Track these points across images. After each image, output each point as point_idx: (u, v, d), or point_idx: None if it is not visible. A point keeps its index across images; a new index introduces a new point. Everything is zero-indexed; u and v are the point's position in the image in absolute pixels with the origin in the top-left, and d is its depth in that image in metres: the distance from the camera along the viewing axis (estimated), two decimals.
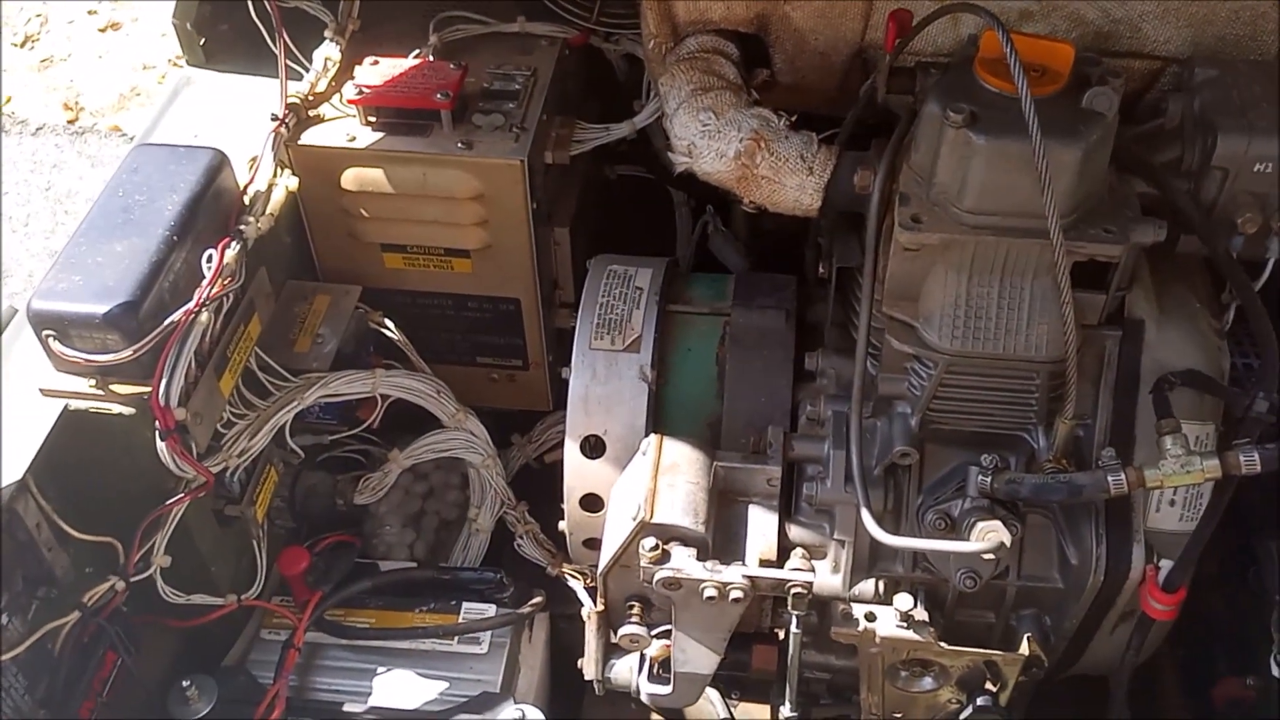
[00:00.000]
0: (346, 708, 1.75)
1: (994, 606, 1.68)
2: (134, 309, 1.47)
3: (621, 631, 1.61)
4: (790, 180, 1.64)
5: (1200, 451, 1.42)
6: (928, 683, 1.64)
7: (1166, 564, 1.55)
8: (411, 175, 1.85)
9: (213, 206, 1.63)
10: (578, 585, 1.93)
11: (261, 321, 1.75)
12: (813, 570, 1.56)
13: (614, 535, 1.57)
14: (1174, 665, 1.93)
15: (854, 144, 1.66)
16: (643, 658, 1.69)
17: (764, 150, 1.63)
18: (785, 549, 1.59)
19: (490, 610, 1.87)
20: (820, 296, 1.84)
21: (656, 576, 1.50)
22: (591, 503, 1.79)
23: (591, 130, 1.96)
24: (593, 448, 1.77)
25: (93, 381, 1.51)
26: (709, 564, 1.51)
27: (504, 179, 1.83)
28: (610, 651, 1.70)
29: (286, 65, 1.82)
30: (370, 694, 1.77)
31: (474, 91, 1.90)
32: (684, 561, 1.51)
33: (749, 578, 1.51)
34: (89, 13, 4.49)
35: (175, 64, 4.08)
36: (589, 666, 1.71)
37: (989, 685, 1.61)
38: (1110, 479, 1.42)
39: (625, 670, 1.71)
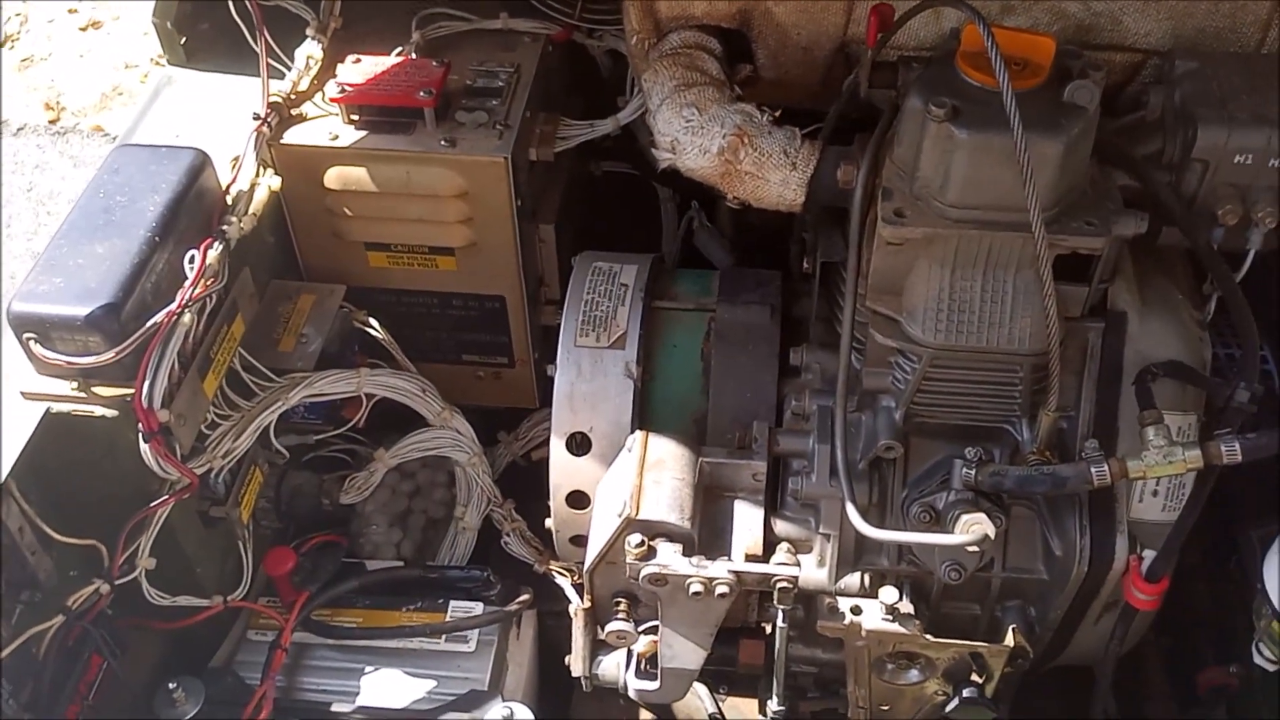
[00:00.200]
0: (334, 708, 1.75)
1: (979, 598, 1.68)
2: (116, 311, 1.46)
3: (609, 628, 1.61)
4: (774, 175, 1.64)
5: (1182, 442, 1.43)
6: (914, 675, 1.64)
7: (1150, 554, 1.56)
8: (395, 173, 1.84)
9: (195, 207, 1.63)
10: (565, 582, 1.93)
11: (245, 322, 1.74)
12: (798, 564, 1.56)
13: (600, 532, 1.57)
14: (1158, 654, 1.95)
15: (837, 139, 1.66)
16: (630, 654, 1.69)
17: (747, 146, 1.63)
18: (771, 544, 1.59)
19: (478, 608, 1.87)
20: (805, 291, 1.84)
21: (643, 573, 1.50)
22: (578, 500, 1.79)
23: (575, 127, 1.96)
24: (578, 445, 1.76)
25: (75, 384, 1.50)
26: (695, 559, 1.51)
27: (488, 176, 1.83)
28: (598, 648, 1.70)
29: (268, 64, 1.81)
30: (358, 694, 1.77)
31: (457, 89, 1.90)
32: (670, 557, 1.51)
33: (735, 573, 1.51)
34: (69, 11, 4.46)
35: (157, 63, 4.06)
36: (576, 663, 1.71)
37: (975, 677, 1.62)
38: (1093, 470, 1.43)
39: (613, 666, 1.72)
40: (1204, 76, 1.58)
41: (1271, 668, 1.58)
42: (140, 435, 1.50)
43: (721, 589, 1.50)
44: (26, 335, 1.47)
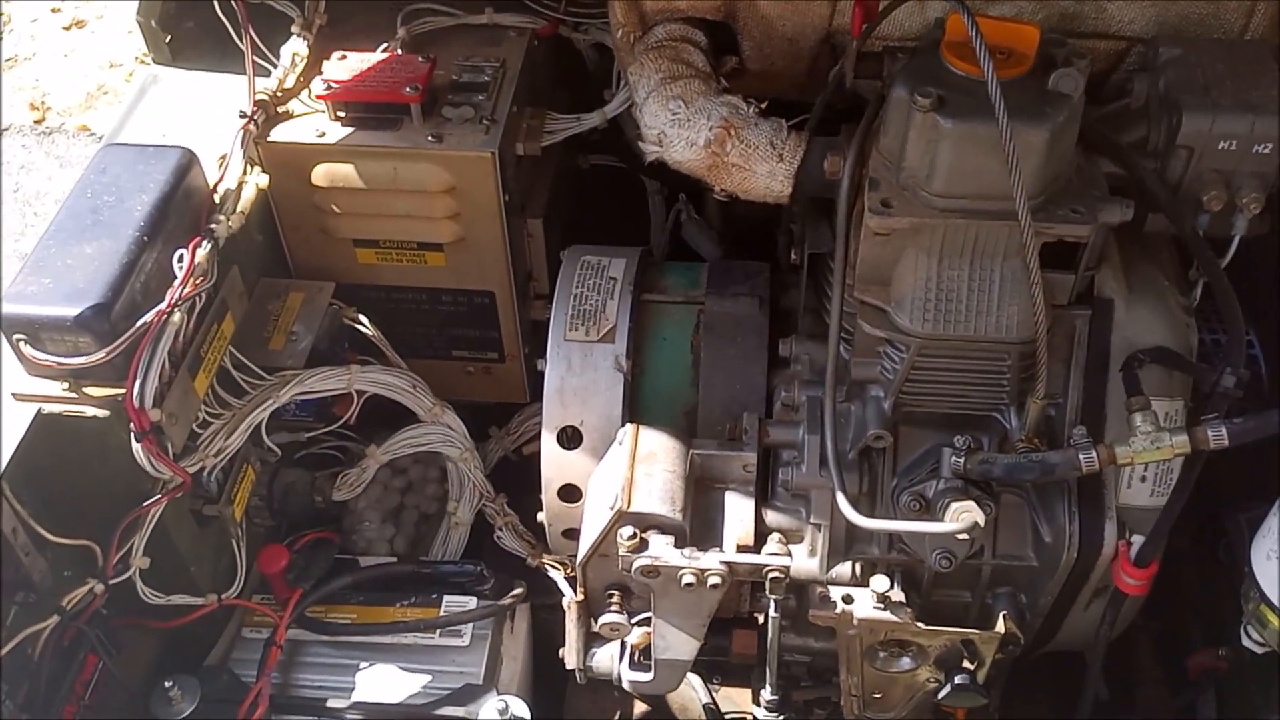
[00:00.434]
0: (330, 704, 1.75)
1: (970, 586, 1.69)
2: (105, 311, 1.46)
3: (602, 620, 1.62)
4: (761, 167, 1.65)
5: (1170, 428, 1.44)
6: (906, 663, 1.65)
7: (1138, 539, 1.57)
8: (382, 170, 1.84)
9: (183, 206, 1.63)
10: (558, 575, 1.94)
11: (235, 320, 1.74)
12: (790, 554, 1.57)
13: (592, 525, 1.58)
14: (1148, 639, 1.96)
15: (823, 130, 1.67)
16: (624, 646, 1.69)
17: (734, 138, 1.64)
18: (762, 534, 1.60)
19: (471, 603, 1.87)
20: (793, 283, 1.85)
21: (635, 565, 1.51)
22: (569, 493, 1.80)
23: (562, 121, 1.96)
24: (570, 439, 1.77)
25: (66, 385, 1.50)
26: (687, 551, 1.52)
27: (475, 171, 1.83)
28: (591, 640, 1.71)
29: (254, 61, 1.81)
30: (353, 689, 1.77)
31: (443, 84, 1.90)
32: (662, 549, 1.51)
33: (727, 563, 1.52)
34: (53, 10, 4.44)
35: (143, 61, 4.04)
36: (570, 656, 1.72)
37: (967, 664, 1.62)
38: (1082, 457, 1.44)
39: (607, 658, 1.72)
40: (1188, 63, 1.59)
41: (1260, 650, 1.59)
42: (132, 435, 1.50)
43: (714, 580, 1.51)
44: (16, 336, 1.47)
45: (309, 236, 1.95)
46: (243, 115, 1.80)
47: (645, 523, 1.53)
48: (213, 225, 1.66)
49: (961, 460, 1.52)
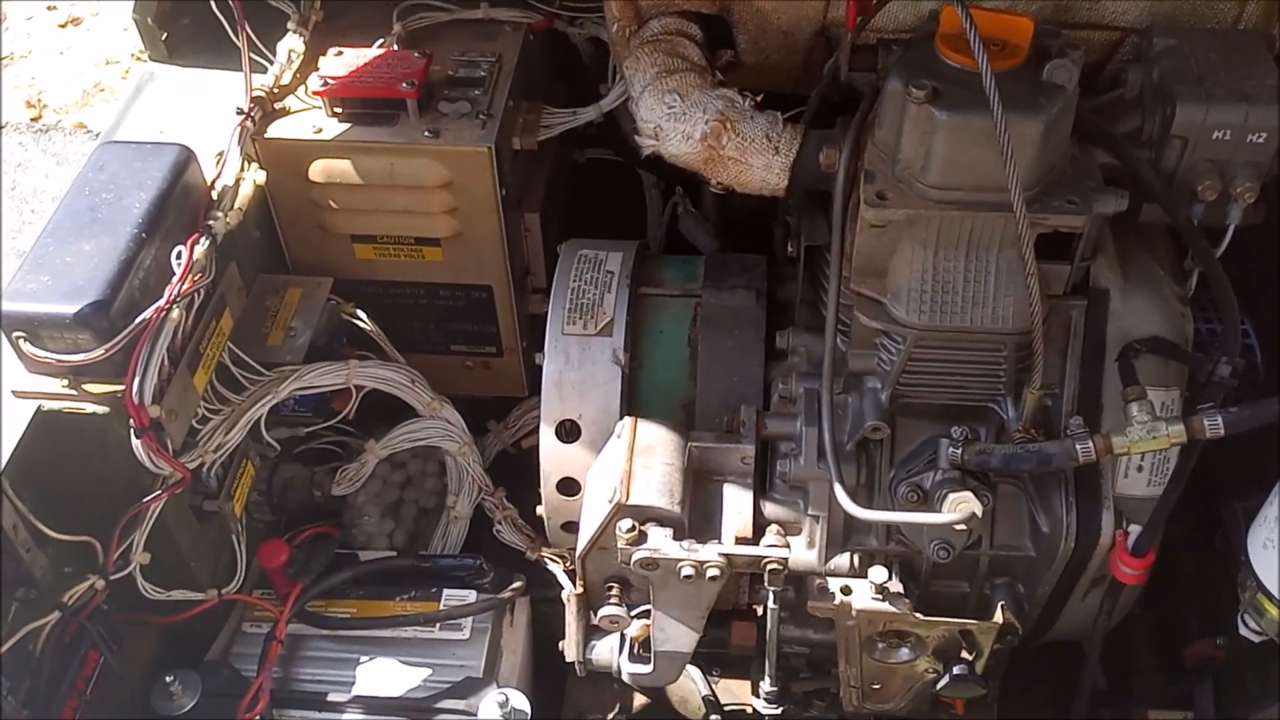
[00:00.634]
0: (331, 698, 1.75)
1: (968, 576, 1.70)
2: (104, 308, 1.47)
3: (601, 613, 1.63)
4: (756, 160, 1.65)
5: (1166, 417, 1.44)
6: (904, 653, 1.66)
7: (1135, 529, 1.58)
8: (379, 165, 1.85)
9: (181, 203, 1.63)
10: (557, 569, 1.95)
11: (233, 316, 1.75)
12: (788, 546, 1.58)
13: (591, 518, 1.59)
14: (1146, 628, 1.97)
15: (819, 123, 1.67)
16: (623, 638, 1.70)
17: (730, 131, 1.64)
18: (761, 526, 1.61)
19: (471, 596, 1.88)
20: (790, 275, 1.85)
21: (634, 557, 1.52)
22: (568, 487, 1.80)
23: (558, 115, 1.97)
24: (568, 432, 1.78)
25: (65, 382, 1.51)
26: (685, 543, 1.52)
27: (472, 166, 1.83)
28: (591, 633, 1.72)
29: (250, 58, 1.81)
30: (354, 683, 1.78)
31: (439, 79, 1.90)
32: (661, 542, 1.52)
33: (725, 555, 1.52)
34: (48, 8, 4.43)
35: (139, 58, 4.04)
36: (570, 648, 1.72)
37: (965, 654, 1.63)
38: (1079, 447, 1.44)
39: (606, 651, 1.73)
40: (1182, 53, 1.59)
41: (1257, 638, 1.60)
42: (132, 431, 1.51)
43: (712, 572, 1.52)
44: (16, 334, 1.47)
45: (306, 232, 1.96)
46: (240, 112, 1.80)
47: (644, 515, 1.53)
48: (211, 222, 1.66)
49: (959, 451, 1.53)
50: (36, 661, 1.52)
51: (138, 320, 1.50)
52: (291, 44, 1.92)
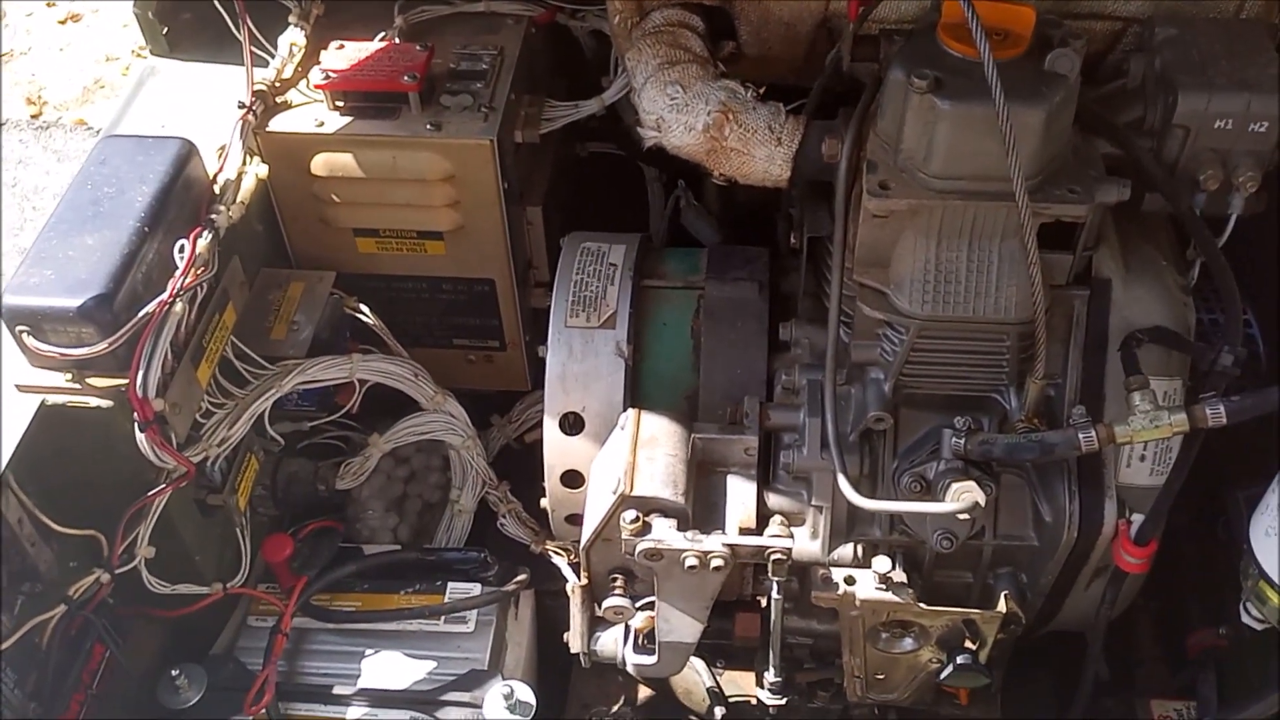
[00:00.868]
0: (336, 691, 1.76)
1: (971, 566, 1.70)
2: (108, 301, 1.47)
3: (606, 604, 1.63)
4: (759, 151, 1.65)
5: (1168, 406, 1.45)
6: (908, 643, 1.66)
7: (1138, 518, 1.58)
8: (381, 159, 1.85)
9: (183, 196, 1.63)
10: (561, 561, 1.95)
11: (236, 310, 1.75)
12: (792, 537, 1.58)
13: (595, 510, 1.59)
14: (1148, 618, 1.97)
15: (821, 113, 1.67)
16: (627, 629, 1.70)
17: (732, 122, 1.64)
18: (764, 517, 1.61)
19: (475, 589, 1.88)
20: (792, 267, 1.85)
21: (638, 548, 1.52)
22: (572, 479, 1.80)
23: (560, 108, 1.97)
24: (571, 425, 1.78)
25: (69, 375, 1.51)
26: (689, 534, 1.53)
27: (474, 159, 1.83)
28: (595, 624, 1.72)
29: (251, 52, 1.81)
30: (359, 676, 1.78)
31: (441, 72, 1.90)
32: (665, 533, 1.52)
33: (729, 546, 1.53)
34: (48, 5, 4.43)
35: (139, 54, 4.05)
36: (575, 640, 1.72)
37: (968, 644, 1.63)
38: (1081, 436, 1.44)
39: (611, 642, 1.73)
40: (1184, 43, 1.59)
41: (1259, 627, 1.60)
42: (136, 425, 1.51)
43: (716, 562, 1.52)
44: (19, 328, 1.47)
45: (309, 226, 1.96)
46: (241, 106, 1.80)
47: (648, 506, 1.54)
48: (213, 215, 1.66)
49: (962, 441, 1.53)
50: (42, 655, 1.52)
51: (141, 314, 1.50)
52: (293, 37, 1.92)
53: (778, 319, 1.78)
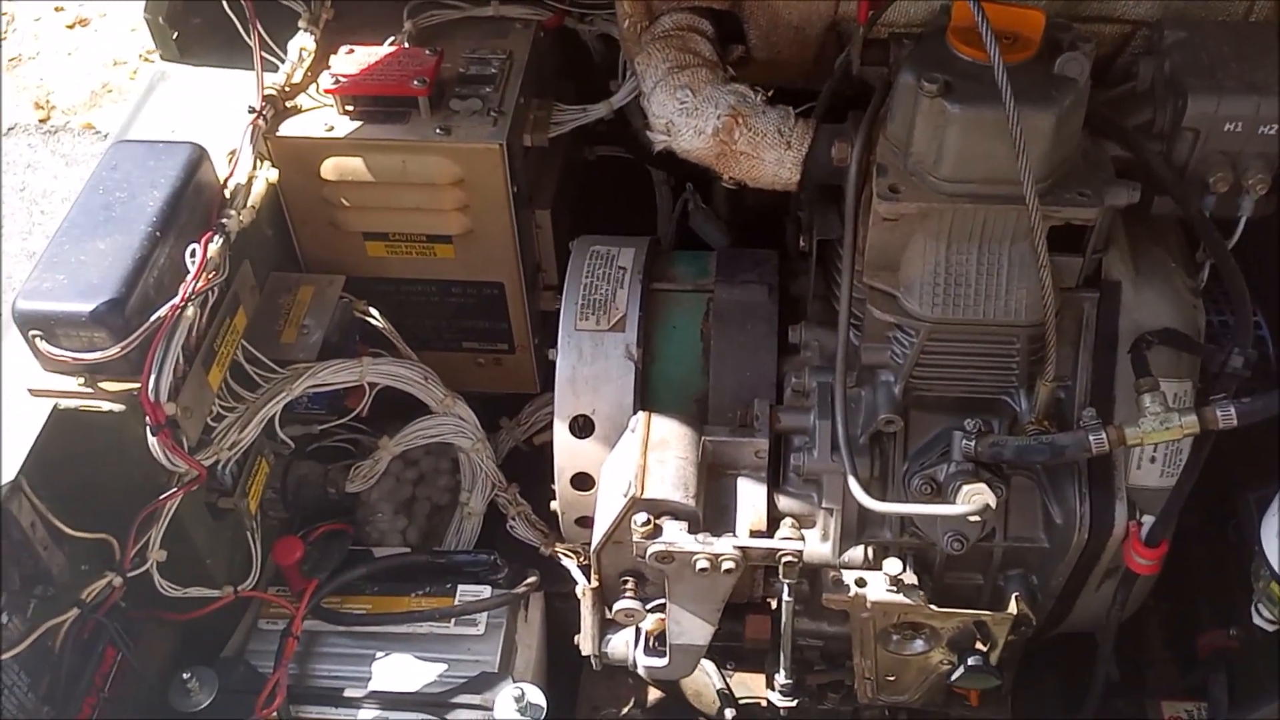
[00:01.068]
0: (347, 693, 1.76)
1: (982, 568, 1.70)
2: (120, 306, 1.48)
3: (617, 607, 1.64)
4: (769, 155, 1.65)
5: (1179, 408, 1.45)
6: (919, 645, 1.66)
7: (1149, 519, 1.58)
8: (391, 163, 1.85)
9: (194, 201, 1.64)
10: (571, 564, 1.95)
11: (247, 314, 1.76)
12: (802, 539, 1.58)
13: (606, 512, 1.59)
14: (1159, 619, 1.97)
15: (830, 117, 1.67)
16: (638, 632, 1.71)
17: (742, 126, 1.64)
18: (775, 519, 1.61)
19: (485, 592, 1.88)
20: (802, 270, 1.85)
21: (649, 551, 1.52)
22: (582, 482, 1.81)
23: (569, 112, 1.97)
24: (581, 428, 1.78)
25: (81, 380, 1.52)
26: (700, 536, 1.53)
27: (484, 163, 1.84)
28: (606, 627, 1.72)
29: (261, 57, 1.81)
30: (370, 679, 1.79)
31: (450, 77, 1.91)
32: (676, 535, 1.52)
33: (740, 548, 1.53)
34: (56, 9, 4.45)
35: (147, 59, 4.06)
36: (586, 642, 1.73)
37: (979, 645, 1.64)
38: (1092, 438, 1.44)
39: (621, 645, 1.73)
40: (1193, 46, 1.59)
41: (1271, 628, 1.60)
42: (148, 429, 1.52)
43: (727, 565, 1.52)
44: (32, 333, 1.48)
45: (318, 230, 1.96)
46: (251, 110, 1.81)
47: (659, 509, 1.54)
48: (224, 220, 1.67)
49: (972, 443, 1.53)
50: (55, 659, 1.53)
51: (153, 318, 1.51)
52: (303, 42, 1.93)
53: (787, 322, 1.78)
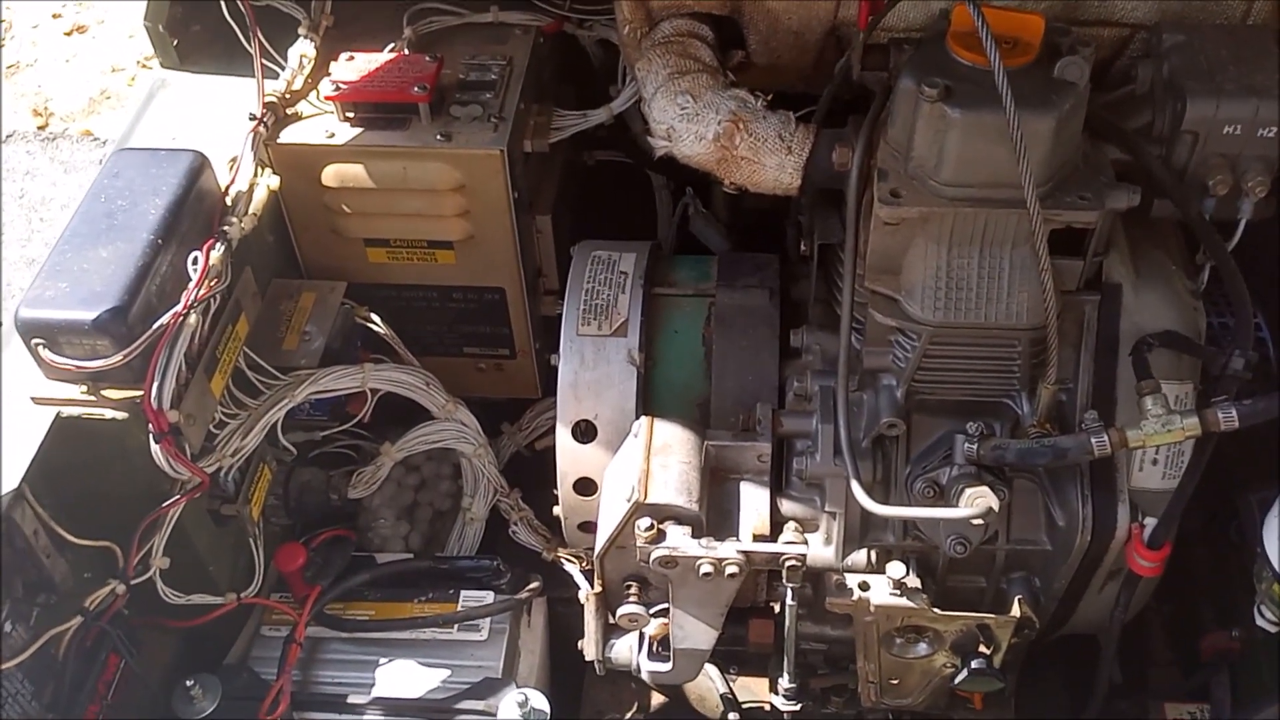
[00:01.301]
0: (350, 700, 1.76)
1: (984, 571, 1.71)
2: (122, 314, 1.48)
3: (620, 611, 1.64)
4: (769, 160, 1.66)
5: (1180, 410, 1.45)
6: (922, 648, 1.67)
7: (1151, 522, 1.59)
8: (392, 169, 1.85)
9: (196, 208, 1.64)
10: (573, 569, 1.95)
11: (249, 321, 1.76)
12: (806, 543, 1.58)
13: (609, 517, 1.59)
14: (1161, 621, 1.97)
15: (831, 121, 1.68)
16: (642, 636, 1.71)
17: (742, 131, 1.65)
18: (778, 523, 1.61)
19: (488, 597, 1.88)
20: (803, 274, 1.86)
21: (653, 555, 1.52)
22: (585, 487, 1.81)
23: (569, 117, 1.97)
24: (584, 433, 1.78)
25: (84, 388, 1.52)
26: (704, 541, 1.53)
27: (484, 169, 1.84)
28: (610, 632, 1.72)
29: (262, 64, 1.82)
30: (373, 685, 1.78)
31: (450, 83, 1.91)
32: (679, 540, 1.53)
33: (744, 553, 1.53)
34: (54, 16, 4.45)
35: (145, 66, 4.06)
36: (589, 647, 1.73)
37: (982, 648, 1.64)
38: (1094, 441, 1.45)
39: (625, 649, 1.74)
40: (1191, 49, 1.59)
41: (1273, 630, 1.61)
42: (151, 436, 1.51)
43: (731, 569, 1.52)
44: (35, 341, 1.48)
45: (320, 237, 1.96)
46: (252, 117, 1.81)
47: (662, 514, 1.54)
48: (225, 227, 1.67)
49: (974, 446, 1.54)
50: (59, 666, 1.53)
51: (155, 326, 1.51)
52: (303, 49, 1.93)
53: (789, 326, 1.78)
